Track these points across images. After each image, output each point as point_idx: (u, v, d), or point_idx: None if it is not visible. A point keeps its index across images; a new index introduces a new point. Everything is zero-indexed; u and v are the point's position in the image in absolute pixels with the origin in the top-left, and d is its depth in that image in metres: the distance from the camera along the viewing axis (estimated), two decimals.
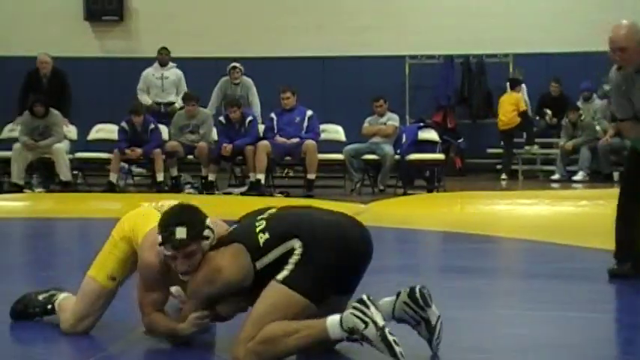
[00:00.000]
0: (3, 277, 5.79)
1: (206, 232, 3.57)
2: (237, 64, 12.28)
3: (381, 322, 3.28)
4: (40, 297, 4.17)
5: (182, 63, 12.81)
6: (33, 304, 4.17)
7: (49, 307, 4.12)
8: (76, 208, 9.76)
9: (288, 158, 11.52)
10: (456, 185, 12.04)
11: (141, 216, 3.92)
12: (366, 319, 3.28)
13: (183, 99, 11.82)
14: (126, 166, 12.01)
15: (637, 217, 5.22)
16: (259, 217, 3.59)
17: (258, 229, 3.53)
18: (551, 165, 13.54)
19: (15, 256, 7.10)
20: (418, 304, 3.48)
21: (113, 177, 11.44)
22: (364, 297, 3.35)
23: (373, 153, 11.70)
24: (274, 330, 3.38)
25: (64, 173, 11.57)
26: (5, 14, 14.32)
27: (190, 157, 11.51)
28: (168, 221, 3.57)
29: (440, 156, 12.11)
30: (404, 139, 11.89)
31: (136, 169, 12.53)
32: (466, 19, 14.09)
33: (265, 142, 11.28)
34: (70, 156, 11.84)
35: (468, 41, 14.04)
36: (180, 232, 3.52)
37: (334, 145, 12.03)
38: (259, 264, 3.49)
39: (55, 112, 11.70)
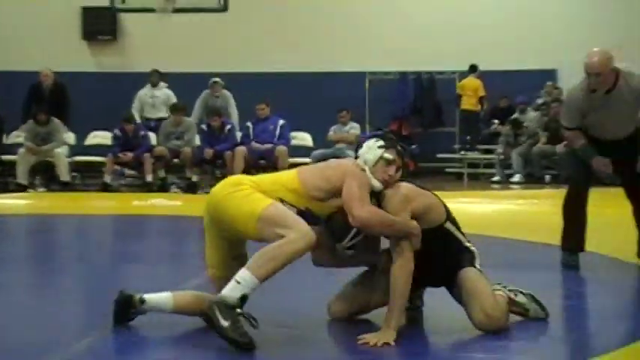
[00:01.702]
0: (7, 268, 5.68)
1: None
2: (218, 79, 12.20)
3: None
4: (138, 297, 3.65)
5: (170, 77, 12.68)
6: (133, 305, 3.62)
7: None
8: (74, 206, 9.70)
9: (262, 162, 11.42)
10: None
11: (252, 176, 3.81)
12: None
13: (171, 109, 11.72)
14: (119, 168, 11.87)
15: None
16: None
17: None
18: (492, 168, 13.53)
19: (18, 249, 6.96)
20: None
21: (107, 178, 11.31)
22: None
23: (338, 157, 11.63)
24: None
25: (64, 174, 11.44)
26: (10, 33, 14.16)
27: (176, 160, 11.39)
28: (389, 135, 3.74)
29: None
30: None
31: (127, 171, 12.39)
32: (419, 40, 14.08)
33: (242, 148, 11.21)
34: (69, 159, 11.73)
35: (420, 60, 14.04)
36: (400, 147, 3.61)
37: (303, 150, 11.98)
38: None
39: (55, 120, 11.56)
